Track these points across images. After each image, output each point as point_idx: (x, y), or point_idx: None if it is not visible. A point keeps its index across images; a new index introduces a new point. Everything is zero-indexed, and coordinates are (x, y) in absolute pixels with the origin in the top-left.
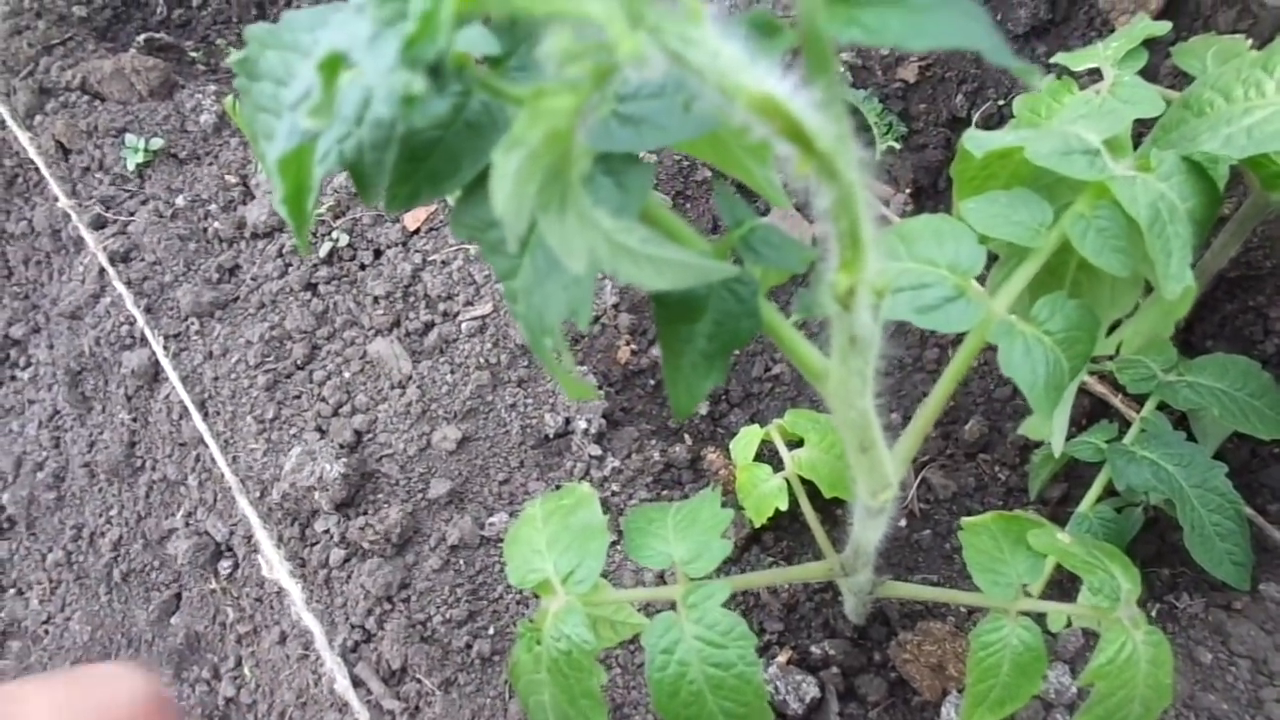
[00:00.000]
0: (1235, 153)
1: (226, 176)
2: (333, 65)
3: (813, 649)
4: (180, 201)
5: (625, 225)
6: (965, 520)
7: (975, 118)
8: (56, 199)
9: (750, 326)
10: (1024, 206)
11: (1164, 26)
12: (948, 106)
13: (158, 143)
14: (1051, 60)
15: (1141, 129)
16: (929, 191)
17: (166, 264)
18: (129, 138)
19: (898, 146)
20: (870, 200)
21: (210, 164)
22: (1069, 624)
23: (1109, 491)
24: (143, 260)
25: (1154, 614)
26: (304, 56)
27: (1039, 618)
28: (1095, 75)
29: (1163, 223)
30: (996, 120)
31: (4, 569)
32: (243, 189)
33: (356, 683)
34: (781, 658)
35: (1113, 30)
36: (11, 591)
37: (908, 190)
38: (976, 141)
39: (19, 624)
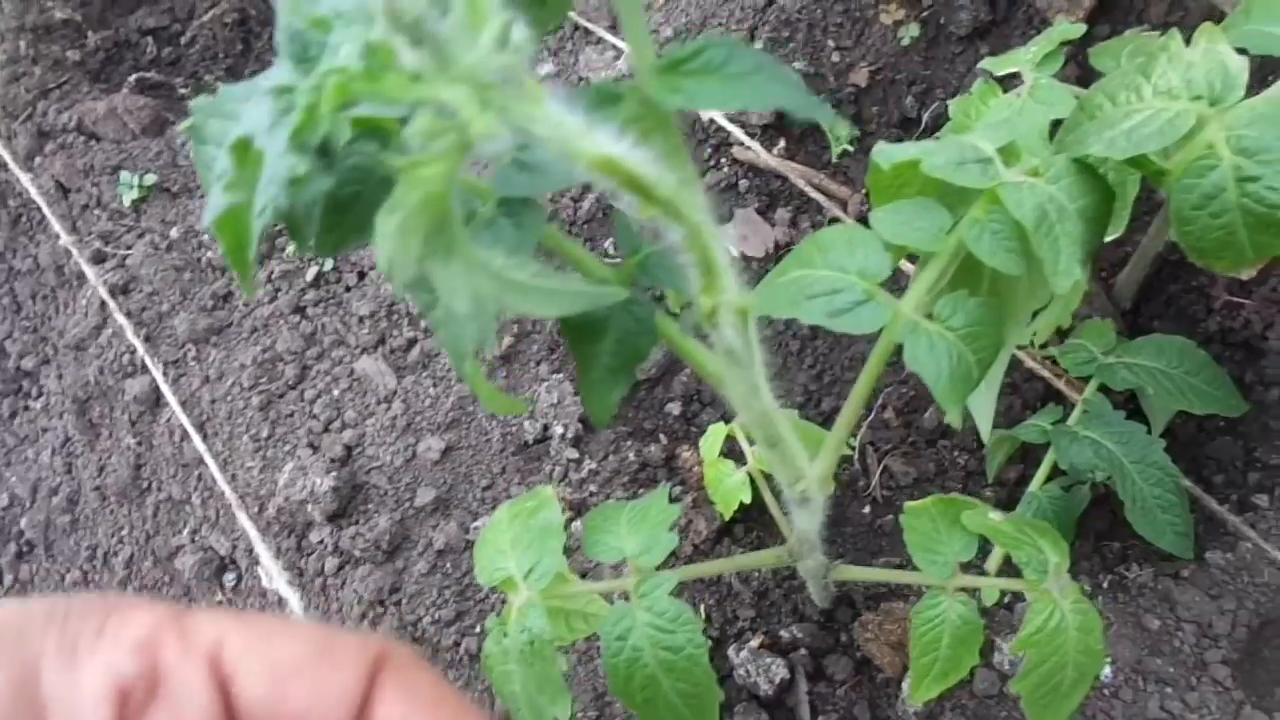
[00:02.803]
0: (1117, 154)
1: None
2: (242, 147)
3: (782, 633)
4: (174, 234)
5: (517, 262)
6: (908, 505)
7: (925, 117)
8: (58, 236)
9: (648, 343)
10: (925, 214)
11: (1079, 29)
12: (899, 108)
13: (151, 179)
14: (979, 65)
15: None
16: None
17: (163, 294)
18: (124, 175)
19: (852, 149)
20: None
21: (202, 196)
22: (1002, 597)
23: (1058, 471)
24: (141, 291)
25: (1105, 584)
26: (239, 122)
27: (975, 593)
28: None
29: (1050, 223)
30: (946, 120)
31: (26, 590)
32: None
33: None
34: (753, 642)
35: (1051, 27)
36: None
37: (863, 191)
38: (883, 155)
39: None
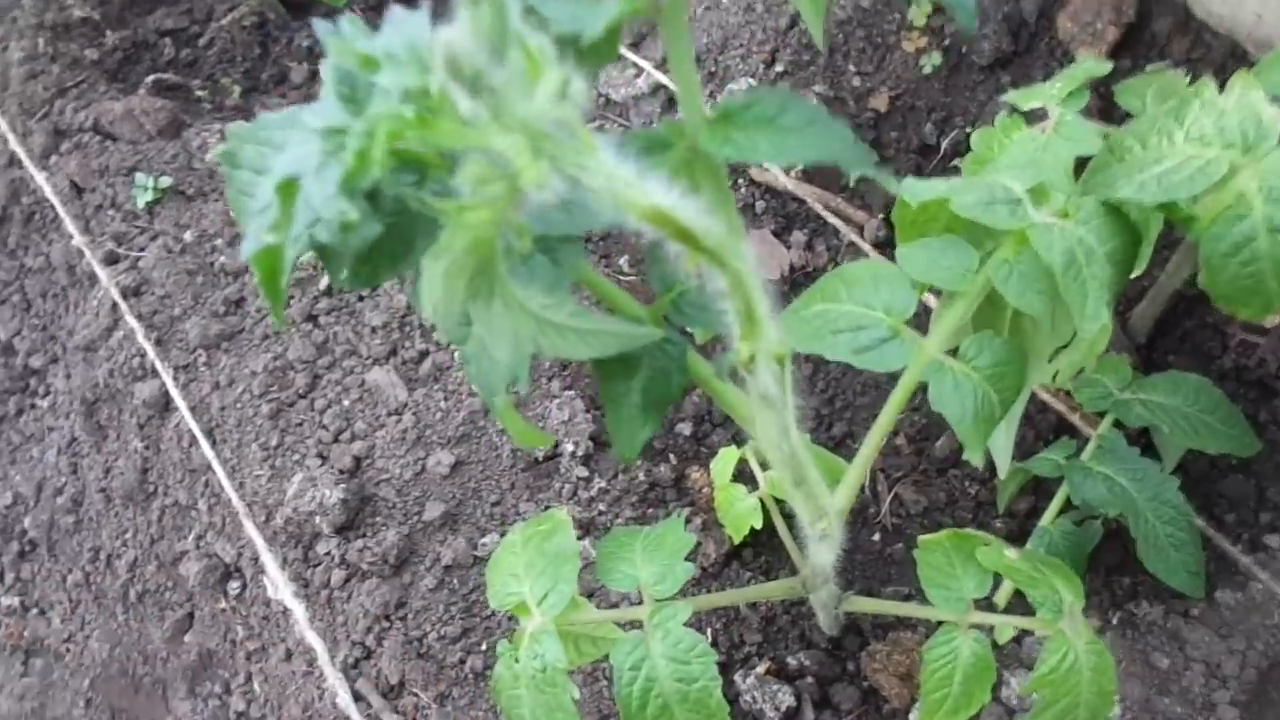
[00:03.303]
0: (1148, 199)
1: (231, 213)
2: (288, 188)
3: (789, 660)
4: (188, 237)
5: (555, 302)
6: (922, 538)
7: (944, 145)
8: (71, 236)
9: (680, 382)
10: (952, 253)
11: (1105, 67)
12: (918, 134)
13: (166, 181)
14: (1002, 98)
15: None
16: None
17: (175, 298)
18: (139, 176)
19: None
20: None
21: (216, 200)
22: (1016, 635)
23: (1071, 505)
24: (153, 294)
25: (1115, 621)
26: (276, 150)
27: (989, 630)
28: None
29: (1078, 267)
30: (965, 148)
31: (27, 590)
32: None
33: (357, 697)
34: (760, 668)
35: (1073, 59)
36: (34, 611)
37: (880, 216)
38: (912, 191)
39: (42, 642)
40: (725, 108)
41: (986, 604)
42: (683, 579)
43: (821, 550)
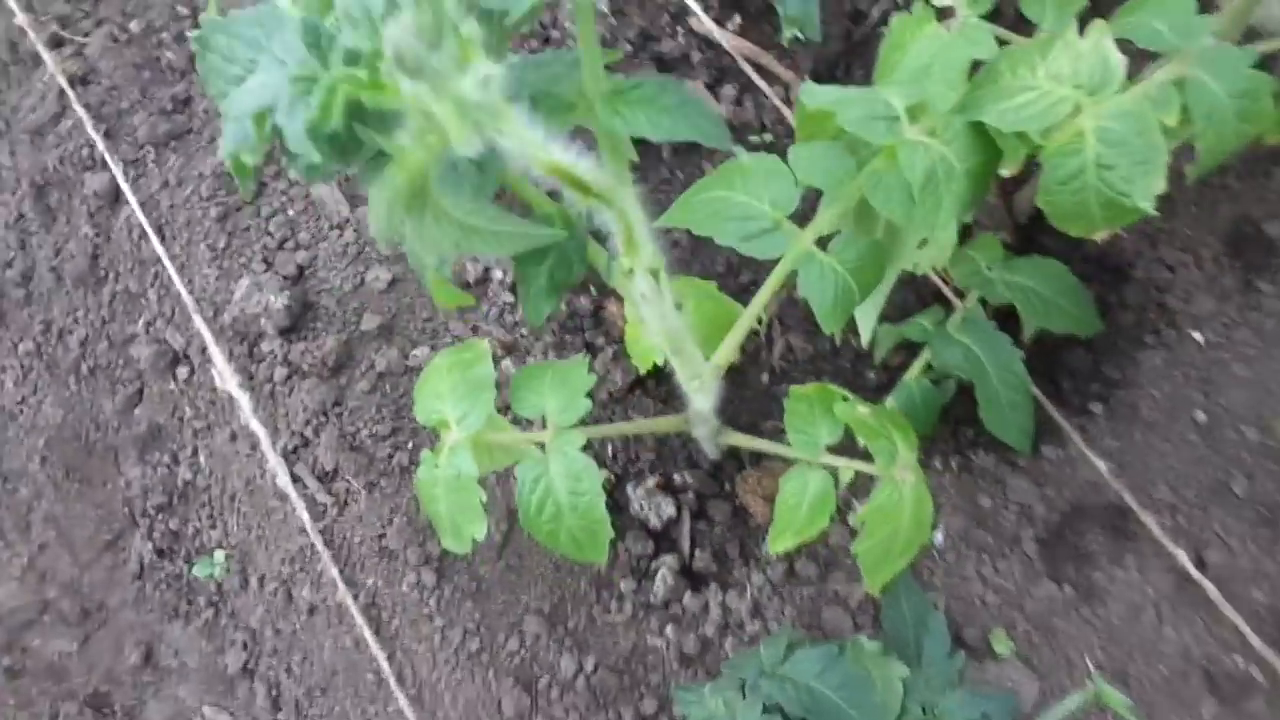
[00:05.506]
0: (1005, 126)
1: (177, 6)
2: (261, 118)
3: (676, 476)
4: (134, 27)
5: (477, 208)
6: (793, 389)
7: (874, 12)
8: (14, 14)
9: (580, 268)
10: (833, 159)
11: None
12: (851, 1)
13: None
14: None
15: None
16: (826, 80)
17: (123, 90)
18: None
19: (803, 37)
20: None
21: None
22: (855, 476)
23: (931, 365)
24: (100, 85)
25: (954, 465)
26: (245, 45)
27: (835, 470)
28: None
29: (935, 182)
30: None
31: None
32: (193, 22)
33: (295, 479)
34: (650, 482)
35: None
36: None
37: (806, 77)
38: (809, 95)
39: None
40: (615, 86)
41: (852, 449)
42: (581, 411)
43: (699, 399)
